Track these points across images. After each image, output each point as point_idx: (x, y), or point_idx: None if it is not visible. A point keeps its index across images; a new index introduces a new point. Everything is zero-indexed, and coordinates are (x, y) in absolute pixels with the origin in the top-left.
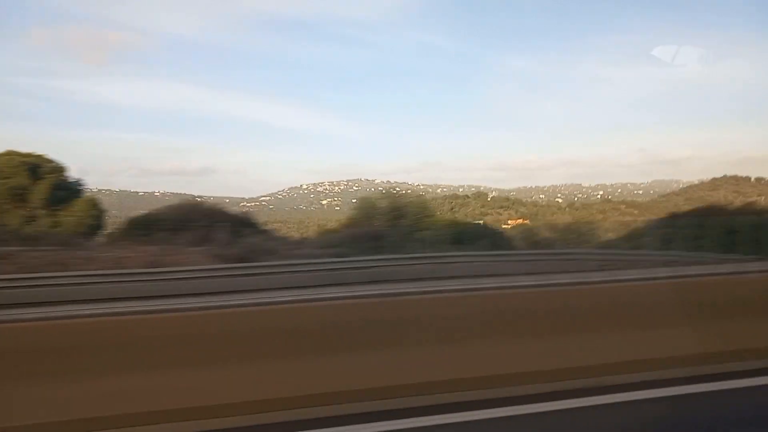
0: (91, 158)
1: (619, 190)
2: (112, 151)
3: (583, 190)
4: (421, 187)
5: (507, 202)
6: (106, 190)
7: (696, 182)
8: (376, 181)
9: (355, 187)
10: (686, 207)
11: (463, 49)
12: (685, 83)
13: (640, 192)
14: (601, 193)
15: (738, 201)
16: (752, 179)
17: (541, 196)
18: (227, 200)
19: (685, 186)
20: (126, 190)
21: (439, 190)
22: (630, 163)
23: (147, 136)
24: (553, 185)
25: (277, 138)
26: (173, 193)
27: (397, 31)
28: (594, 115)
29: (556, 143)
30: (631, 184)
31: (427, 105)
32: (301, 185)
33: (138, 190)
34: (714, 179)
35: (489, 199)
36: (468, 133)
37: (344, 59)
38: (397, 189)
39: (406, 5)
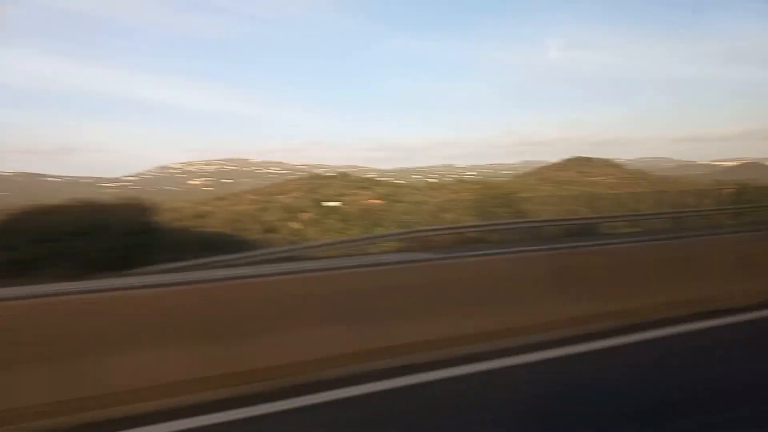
0: None
1: (490, 170)
2: None
3: (457, 170)
4: (300, 166)
5: (367, 182)
6: None
7: (549, 163)
8: (253, 161)
9: (229, 167)
10: (541, 187)
11: (350, 27)
12: (556, 69)
13: (510, 172)
14: (474, 173)
15: (582, 180)
16: (598, 160)
17: (414, 176)
18: (87, 181)
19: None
20: None
21: (321, 170)
22: (503, 143)
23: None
24: (429, 166)
25: (151, 115)
26: (25, 173)
27: (281, 5)
28: (473, 97)
29: (436, 124)
30: (501, 164)
31: (313, 83)
32: (169, 165)
33: None
34: (567, 160)
35: (351, 180)
36: (352, 112)
37: (227, 33)
38: (273, 168)
39: None
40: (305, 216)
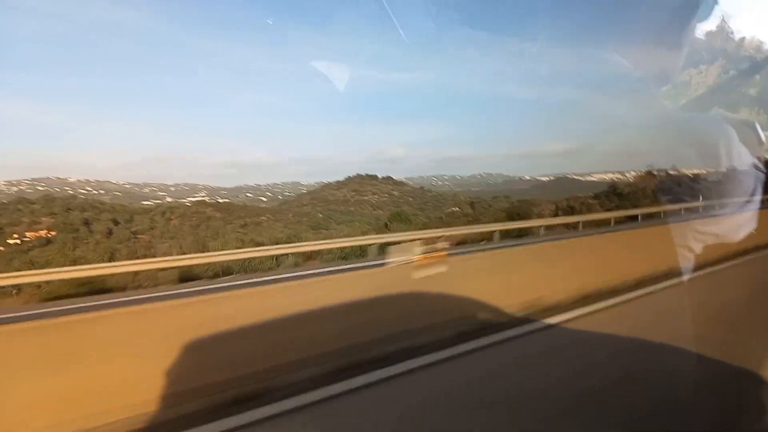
0: None
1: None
2: None
3: (300, 186)
4: (126, 185)
5: (70, 204)
6: None
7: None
8: (71, 180)
9: (40, 187)
10: (308, 207)
11: (189, 39)
12: (401, 86)
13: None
14: (305, 190)
15: (352, 200)
16: (379, 178)
17: (248, 194)
18: None
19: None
20: None
21: (147, 190)
22: (355, 160)
23: None
24: (274, 183)
25: None
26: None
27: (99, 10)
28: (324, 115)
29: (292, 140)
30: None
31: (151, 96)
32: None
33: None
34: (348, 178)
35: (56, 204)
36: (197, 128)
37: (34, 35)
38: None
39: None
40: None
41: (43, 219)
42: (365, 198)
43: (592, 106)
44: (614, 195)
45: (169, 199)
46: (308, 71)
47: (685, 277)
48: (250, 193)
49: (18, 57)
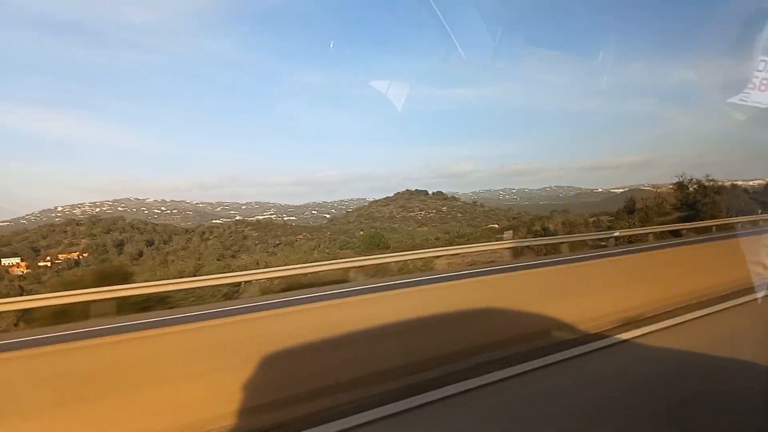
0: None
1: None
2: None
3: (365, 202)
4: (200, 205)
5: (114, 226)
6: None
7: (382, 197)
8: (148, 200)
9: (120, 207)
10: (354, 224)
11: (257, 61)
12: (465, 103)
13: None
14: (352, 205)
15: (396, 216)
16: (430, 193)
17: (313, 211)
18: None
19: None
20: None
21: (219, 209)
22: (420, 176)
23: None
24: (340, 200)
25: (45, 151)
26: None
27: (186, 39)
28: (388, 131)
29: (359, 157)
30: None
31: (224, 117)
32: (56, 207)
33: None
34: (397, 194)
35: (100, 225)
36: (268, 147)
37: (129, 66)
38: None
39: (197, 12)
40: None
41: (82, 240)
42: (411, 214)
43: (664, 117)
44: (625, 212)
45: (238, 218)
46: (373, 91)
47: (759, 295)
48: (315, 210)
49: (121, 88)
